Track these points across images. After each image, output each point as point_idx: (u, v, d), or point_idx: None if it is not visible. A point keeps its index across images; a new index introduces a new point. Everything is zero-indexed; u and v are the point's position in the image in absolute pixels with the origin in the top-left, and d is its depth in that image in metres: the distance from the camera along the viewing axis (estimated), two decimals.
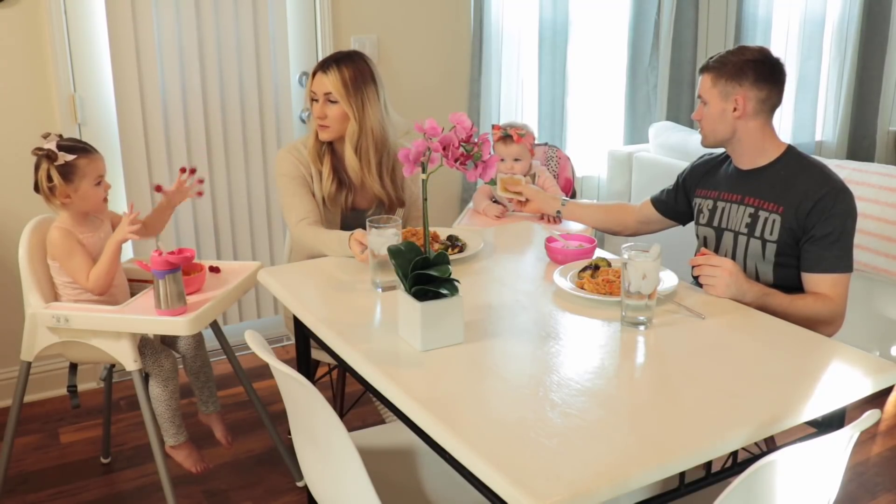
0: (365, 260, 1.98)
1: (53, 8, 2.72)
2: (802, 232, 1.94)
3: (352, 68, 2.29)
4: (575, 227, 2.49)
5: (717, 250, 2.11)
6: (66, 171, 2.07)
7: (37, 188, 2.11)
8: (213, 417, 2.43)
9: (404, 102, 3.30)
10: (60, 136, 2.12)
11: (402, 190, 2.44)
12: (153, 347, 2.19)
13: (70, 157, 2.06)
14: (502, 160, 2.68)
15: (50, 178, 2.06)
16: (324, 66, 2.30)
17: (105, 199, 2.18)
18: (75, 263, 2.11)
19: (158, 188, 2.31)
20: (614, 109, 4.05)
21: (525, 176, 2.66)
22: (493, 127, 2.74)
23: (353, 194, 2.40)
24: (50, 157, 2.05)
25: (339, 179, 2.36)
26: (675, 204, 2.29)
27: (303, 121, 3.29)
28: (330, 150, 2.37)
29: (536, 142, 2.84)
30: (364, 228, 1.96)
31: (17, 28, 2.71)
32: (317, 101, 2.31)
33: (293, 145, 2.40)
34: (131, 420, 2.83)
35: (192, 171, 2.31)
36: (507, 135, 2.67)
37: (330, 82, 2.27)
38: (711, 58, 2.05)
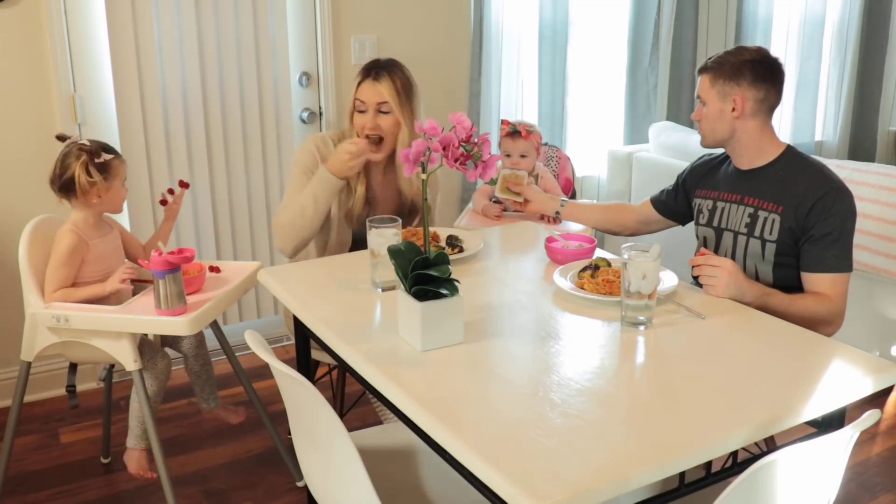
0: (362, 151, 1.96)
1: (53, 8, 2.72)
2: (802, 232, 1.94)
3: (401, 76, 2.24)
4: (575, 227, 2.49)
5: (716, 250, 2.11)
6: (103, 169, 2.08)
7: (64, 187, 2.07)
8: (215, 411, 2.44)
9: None
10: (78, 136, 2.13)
11: (419, 196, 2.44)
12: (151, 347, 2.19)
13: (109, 156, 2.09)
14: (508, 155, 2.68)
15: (90, 174, 2.06)
16: (373, 73, 2.23)
17: (124, 202, 2.20)
18: (59, 274, 2.10)
19: (163, 202, 2.33)
20: (614, 109, 4.05)
21: (529, 175, 2.66)
22: (503, 122, 2.73)
23: (374, 211, 2.39)
24: (92, 152, 2.06)
25: (368, 199, 2.34)
26: (675, 204, 2.29)
27: (303, 121, 3.29)
28: (365, 169, 2.30)
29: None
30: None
31: (17, 28, 2.71)
32: (363, 111, 2.24)
33: (321, 136, 2.35)
34: None
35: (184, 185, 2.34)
36: (515, 130, 2.67)
37: (386, 91, 2.22)
38: (710, 58, 2.05)
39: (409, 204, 2.42)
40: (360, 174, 2.31)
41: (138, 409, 2.17)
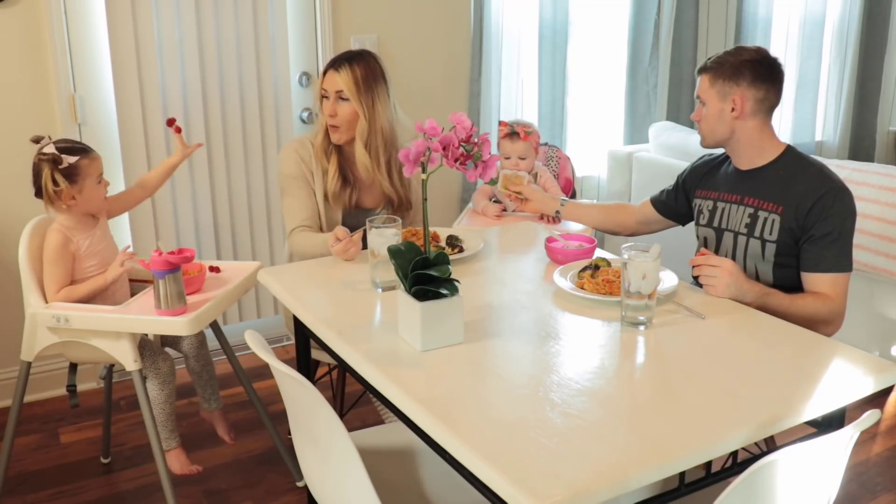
0: (340, 253, 2.04)
1: (53, 8, 2.72)
2: (802, 232, 1.94)
3: (363, 67, 2.31)
4: (575, 227, 2.49)
5: (717, 251, 2.11)
6: (70, 173, 2.07)
7: (38, 194, 2.09)
8: (215, 414, 2.43)
9: (404, 102, 3.29)
10: (49, 137, 2.12)
11: (410, 190, 2.45)
12: (152, 349, 2.19)
13: (73, 160, 2.07)
14: (507, 158, 2.67)
15: (55, 183, 2.05)
16: (336, 64, 2.32)
17: (105, 197, 2.19)
18: (54, 273, 2.10)
19: (171, 123, 2.34)
20: (614, 109, 4.05)
21: (528, 174, 2.65)
22: (501, 123, 2.73)
23: (358, 193, 2.42)
24: (54, 161, 2.05)
25: (343, 178, 2.38)
26: (675, 204, 2.29)
27: (303, 121, 3.29)
28: (337, 148, 2.38)
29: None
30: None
31: (17, 28, 2.71)
32: (327, 98, 2.33)
33: (299, 140, 2.42)
34: (131, 420, 2.83)
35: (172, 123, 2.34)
36: (513, 132, 2.66)
37: (342, 80, 2.30)
38: (709, 58, 2.05)
39: (396, 193, 2.43)
40: (331, 154, 2.38)
41: (157, 412, 2.17)
